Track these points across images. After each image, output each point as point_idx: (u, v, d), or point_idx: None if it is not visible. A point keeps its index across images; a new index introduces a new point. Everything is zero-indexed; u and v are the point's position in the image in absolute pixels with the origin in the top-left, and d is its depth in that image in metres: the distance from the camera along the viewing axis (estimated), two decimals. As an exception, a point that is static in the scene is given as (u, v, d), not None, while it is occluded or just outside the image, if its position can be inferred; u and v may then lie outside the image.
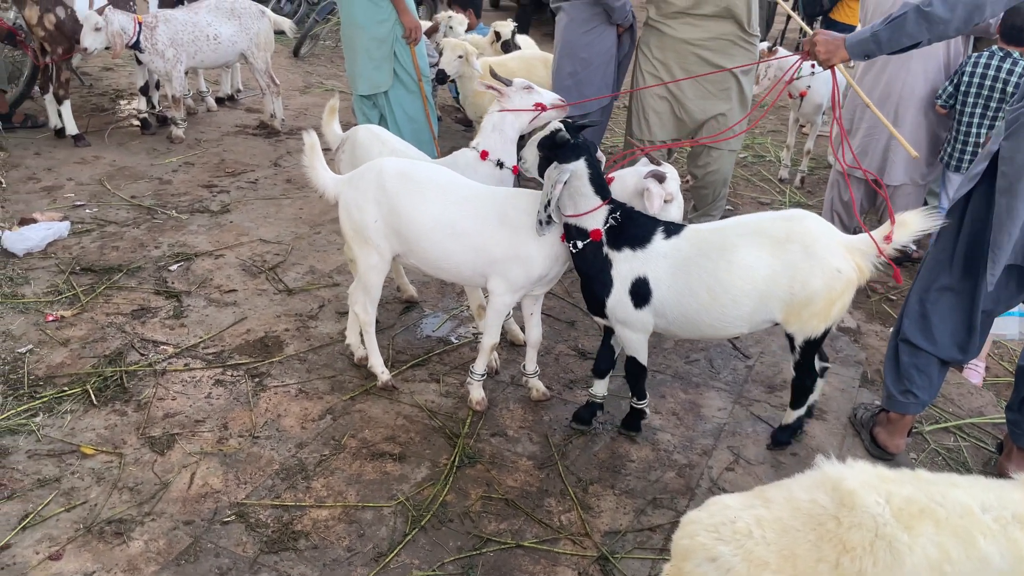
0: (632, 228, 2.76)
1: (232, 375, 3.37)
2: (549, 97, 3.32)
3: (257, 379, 3.35)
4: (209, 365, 3.43)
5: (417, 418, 3.16)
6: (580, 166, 2.71)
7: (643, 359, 2.92)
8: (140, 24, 5.47)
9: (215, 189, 5.24)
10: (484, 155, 3.32)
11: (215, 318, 3.78)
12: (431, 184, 2.96)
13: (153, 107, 6.21)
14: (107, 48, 5.41)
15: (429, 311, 3.97)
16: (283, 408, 3.18)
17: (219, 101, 6.93)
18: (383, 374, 3.31)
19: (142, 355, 3.46)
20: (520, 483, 2.85)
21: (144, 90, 6.07)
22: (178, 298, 3.91)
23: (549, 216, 2.73)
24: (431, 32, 6.19)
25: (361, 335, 3.36)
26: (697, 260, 2.66)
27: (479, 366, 3.19)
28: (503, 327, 3.57)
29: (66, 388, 3.19)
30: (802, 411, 2.99)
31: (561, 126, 2.75)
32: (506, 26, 5.86)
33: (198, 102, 6.76)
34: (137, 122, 6.31)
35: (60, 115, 5.76)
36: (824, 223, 2.72)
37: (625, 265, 2.75)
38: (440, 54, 5.43)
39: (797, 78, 5.62)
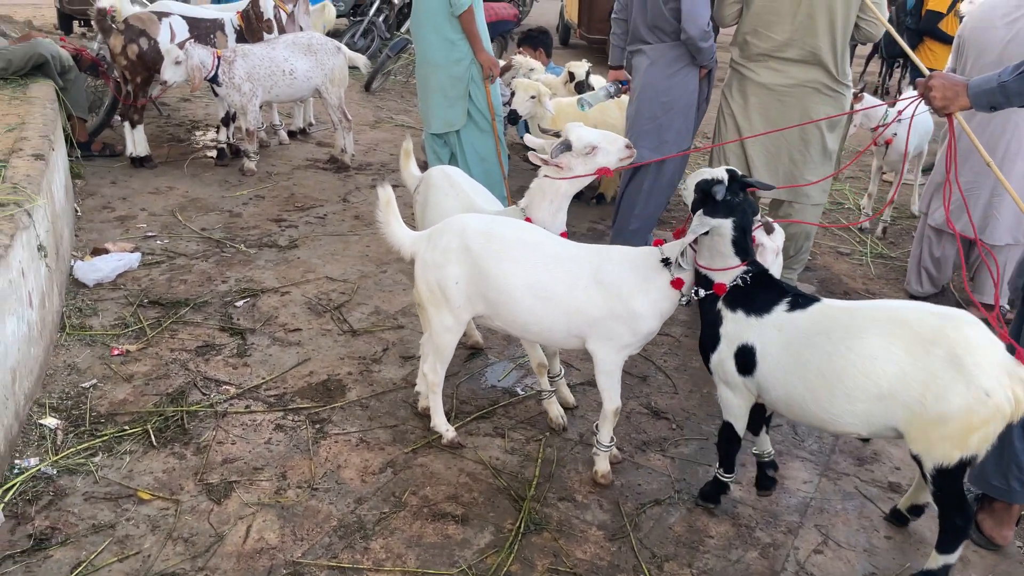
0: (756, 292, 2.55)
1: (293, 420, 3.28)
2: (616, 150, 3.01)
3: (318, 425, 3.25)
4: (270, 408, 3.34)
5: (481, 476, 3.01)
6: (725, 226, 2.53)
7: (739, 428, 2.71)
8: (219, 58, 5.54)
9: (284, 224, 5.22)
10: (528, 222, 3.10)
11: (278, 358, 3.71)
12: (519, 243, 2.80)
13: (228, 139, 6.28)
14: (186, 81, 5.49)
15: (494, 359, 3.84)
16: (343, 458, 3.06)
17: (291, 134, 6.99)
18: (448, 431, 3.15)
19: (204, 394, 3.40)
20: (590, 555, 2.66)
21: (226, 121, 6.14)
22: (242, 336, 3.86)
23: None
24: (503, 71, 6.14)
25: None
26: (815, 339, 2.39)
27: (604, 435, 2.94)
28: (561, 387, 3.42)
29: (127, 427, 3.13)
30: (952, 558, 2.43)
31: (724, 177, 2.54)
32: (580, 66, 5.76)
33: (271, 135, 6.82)
34: (211, 154, 6.39)
35: (132, 140, 5.89)
36: (986, 333, 2.25)
37: (733, 327, 2.56)
38: (512, 94, 5.36)
39: (882, 125, 5.42)
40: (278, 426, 3.23)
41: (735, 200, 2.53)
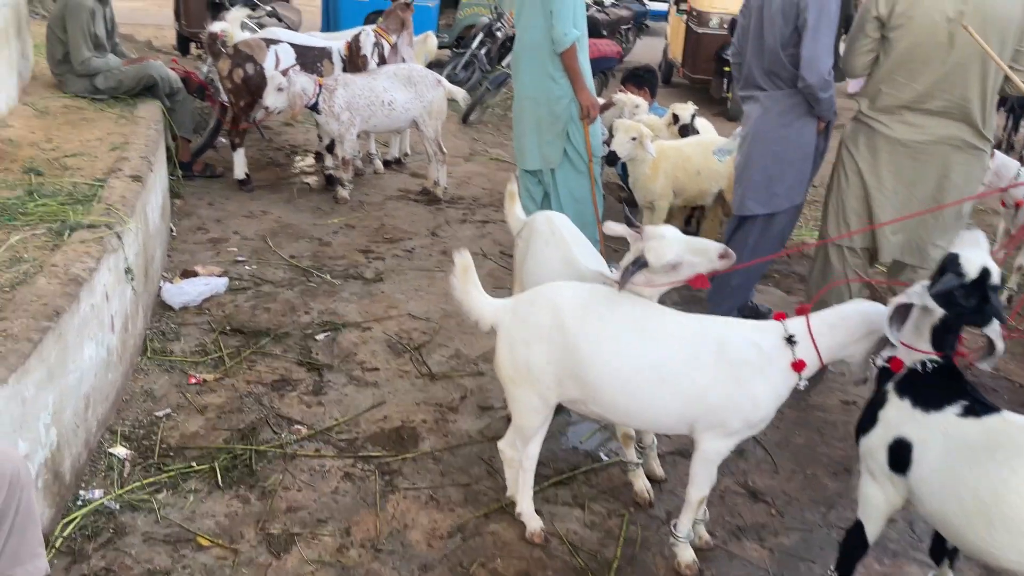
0: (931, 384, 2.22)
1: (362, 469, 3.11)
2: (706, 262, 2.48)
3: (387, 477, 3.08)
4: (340, 454, 3.19)
5: (556, 552, 2.76)
6: (936, 313, 2.21)
7: (871, 533, 2.35)
8: (320, 87, 5.55)
9: (371, 255, 5.14)
10: None
11: (353, 399, 3.57)
12: (625, 318, 2.49)
13: (325, 166, 6.30)
14: (288, 107, 5.52)
15: (576, 417, 3.59)
16: (411, 517, 2.87)
17: (386, 164, 6.97)
18: (532, 520, 2.81)
19: (275, 432, 3.28)
20: (673, 659, 2.38)
21: (331, 148, 6.14)
22: (320, 372, 3.75)
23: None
24: (603, 108, 5.94)
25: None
26: (981, 455, 2.01)
27: (683, 526, 2.66)
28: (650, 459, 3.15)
29: (194, 463, 3.03)
30: None
31: (972, 272, 2.16)
32: (685, 109, 5.51)
33: (366, 164, 6.82)
34: (308, 179, 6.42)
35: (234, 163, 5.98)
36: None
37: (895, 414, 2.24)
38: (611, 133, 5.16)
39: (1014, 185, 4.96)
40: (347, 474, 3.07)
41: (968, 301, 2.16)
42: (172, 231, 5.11)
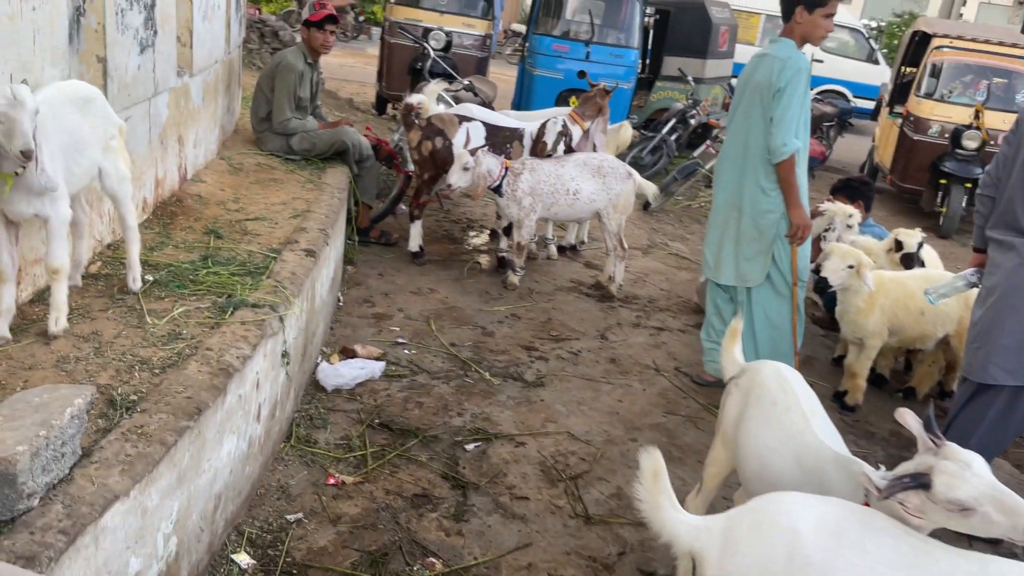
0: None
1: (497, 631, 2.67)
2: (1010, 528, 1.87)
3: (524, 648, 2.61)
4: (475, 605, 2.77)
5: None
6: None
7: None
8: (506, 169, 5.34)
9: (534, 353, 4.77)
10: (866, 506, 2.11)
11: (496, 533, 3.15)
12: (890, 555, 1.87)
13: (499, 248, 6.07)
14: (471, 186, 5.34)
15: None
16: None
17: (560, 250, 6.66)
18: None
19: (408, 564, 2.91)
20: None
21: (508, 230, 5.91)
22: (464, 491, 3.37)
23: None
24: (812, 216, 5.33)
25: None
26: None
27: None
28: None
29: (315, 591, 2.71)
30: None
31: None
32: (912, 236, 4.80)
33: (540, 247, 6.54)
34: (481, 259, 6.22)
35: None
36: None
37: None
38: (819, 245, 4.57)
39: None
40: (478, 635, 2.64)
41: None
42: (340, 301, 4.99)
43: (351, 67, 16.09)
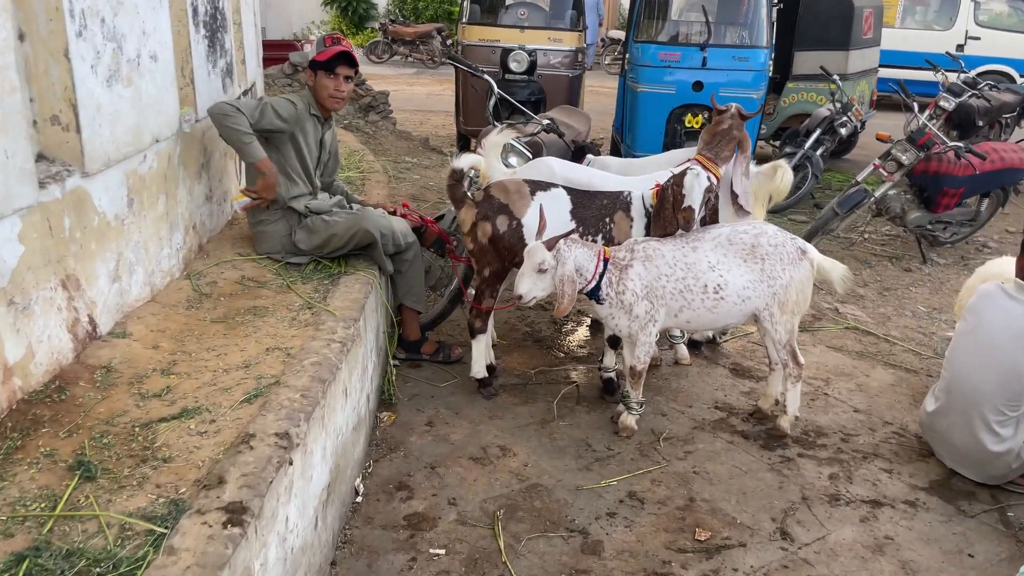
0: None
1: None
2: None
3: None
4: None
5: None
6: None
7: None
8: (606, 262, 3.43)
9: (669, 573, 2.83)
10: None
11: None
12: None
13: (604, 366, 4.14)
14: (551, 297, 3.46)
15: None
16: None
17: (693, 345, 4.67)
18: None
19: None
20: None
21: (614, 342, 4.01)
22: None
23: None
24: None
25: None
26: None
27: None
28: None
29: None
30: None
31: None
32: None
33: (660, 345, 4.57)
34: (576, 381, 4.32)
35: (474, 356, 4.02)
36: None
37: None
38: None
39: None
40: None
41: None
42: (358, 493, 3.21)
43: (439, 96, 14.55)
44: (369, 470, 3.37)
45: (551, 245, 3.31)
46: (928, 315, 5.60)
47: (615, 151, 9.37)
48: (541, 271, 3.30)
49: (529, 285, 3.33)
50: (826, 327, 5.17)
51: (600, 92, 14.27)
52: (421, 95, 14.76)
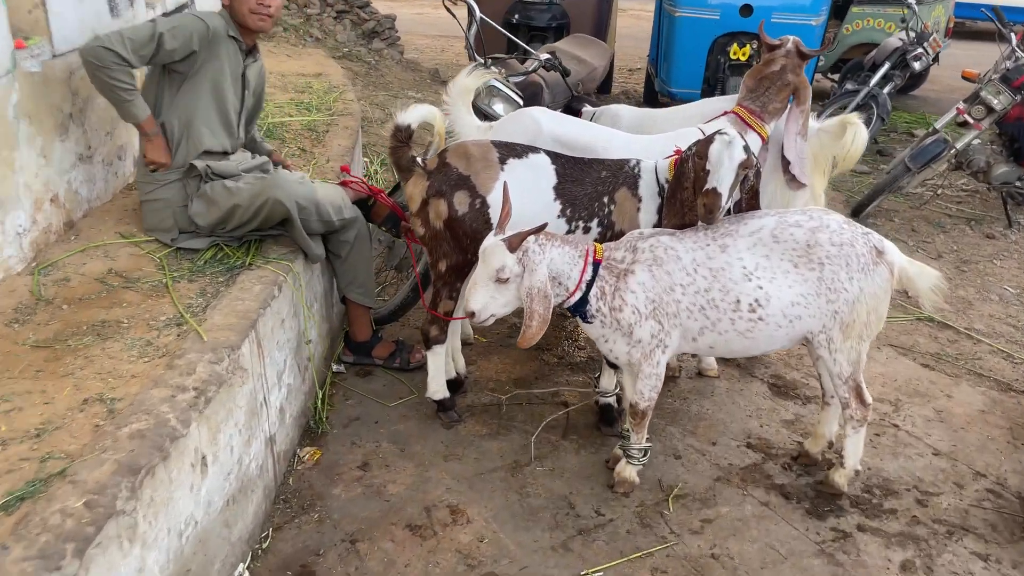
0: None
1: None
2: None
3: None
4: None
5: None
6: None
7: None
8: (595, 265, 2.42)
9: None
10: None
11: None
12: None
13: (601, 388, 3.16)
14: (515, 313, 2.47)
15: None
16: None
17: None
18: None
19: None
20: None
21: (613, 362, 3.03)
22: None
23: None
24: None
25: None
26: None
27: None
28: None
29: None
30: None
31: None
32: None
33: (683, 358, 3.58)
34: (567, 404, 3.35)
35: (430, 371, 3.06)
36: None
37: None
38: None
39: None
40: None
41: None
42: (239, 584, 2.32)
43: (425, 18, 13.19)
44: (265, 545, 2.48)
45: (515, 243, 2.30)
46: (1019, 300, 4.51)
47: (649, 89, 8.17)
48: (500, 280, 2.31)
49: (484, 299, 2.34)
50: (892, 318, 4.12)
51: (640, 15, 12.81)
52: (445, 19, 13.46)
